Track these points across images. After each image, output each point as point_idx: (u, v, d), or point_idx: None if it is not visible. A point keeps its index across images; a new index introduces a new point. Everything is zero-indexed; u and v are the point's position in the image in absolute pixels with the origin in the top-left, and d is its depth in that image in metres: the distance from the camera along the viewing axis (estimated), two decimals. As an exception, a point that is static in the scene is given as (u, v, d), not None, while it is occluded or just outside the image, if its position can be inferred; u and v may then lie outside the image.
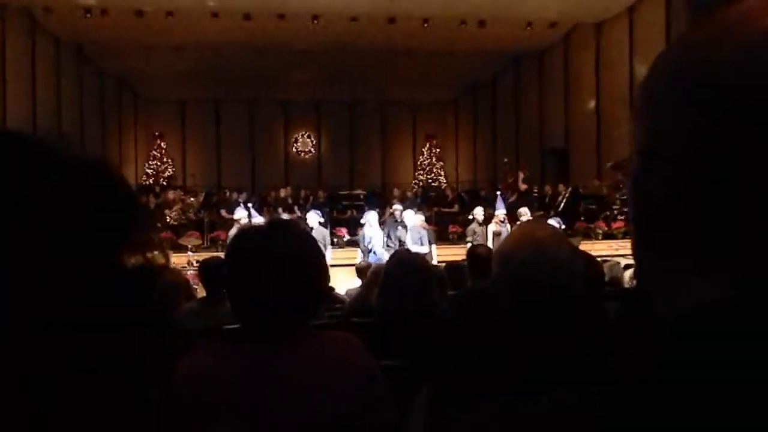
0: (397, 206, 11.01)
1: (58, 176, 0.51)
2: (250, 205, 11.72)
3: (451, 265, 5.25)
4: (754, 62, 0.44)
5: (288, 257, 1.38)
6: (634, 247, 0.54)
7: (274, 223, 1.52)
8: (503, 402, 0.51)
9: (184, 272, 7.72)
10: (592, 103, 15.47)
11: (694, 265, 0.48)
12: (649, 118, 0.50)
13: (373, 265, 5.49)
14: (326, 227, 11.08)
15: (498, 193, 12.58)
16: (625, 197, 12.50)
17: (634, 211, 0.53)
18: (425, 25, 14.37)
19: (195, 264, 8.84)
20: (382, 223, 10.25)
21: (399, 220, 10.15)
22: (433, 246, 9.98)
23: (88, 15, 13.45)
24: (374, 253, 9.30)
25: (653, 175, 0.49)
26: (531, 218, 10.25)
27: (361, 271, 6.62)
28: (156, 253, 0.60)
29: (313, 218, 9.84)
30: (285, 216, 12.06)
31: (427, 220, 13.24)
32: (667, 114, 0.48)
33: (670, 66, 0.50)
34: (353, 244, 10.81)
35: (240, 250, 1.45)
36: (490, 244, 9.44)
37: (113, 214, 0.54)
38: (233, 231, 9.53)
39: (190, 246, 11.00)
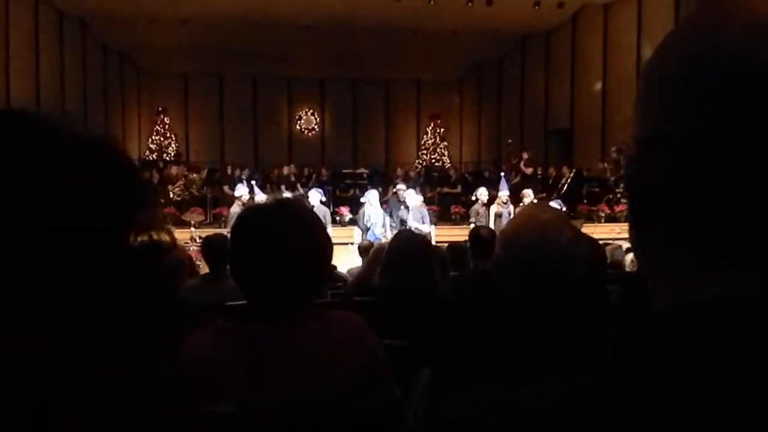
0: (401, 186, 10.99)
1: (63, 155, 0.51)
2: (253, 182, 11.71)
3: (454, 246, 5.26)
4: (759, 51, 0.44)
5: (293, 236, 1.38)
6: (632, 235, 0.54)
7: (279, 202, 1.52)
8: (494, 386, 0.51)
9: (187, 248, 7.74)
10: (599, 85, 15.36)
11: (695, 257, 0.47)
12: (651, 106, 0.49)
13: (375, 245, 5.50)
14: (328, 206, 11.09)
15: (501, 174, 12.56)
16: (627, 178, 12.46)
17: (632, 199, 0.52)
18: (431, 2, 14.22)
19: (198, 240, 8.87)
20: (384, 203, 10.25)
21: (402, 200, 10.15)
22: (433, 227, 10.00)
23: (92, -13, 13.34)
24: (372, 232, 9.32)
25: (654, 163, 0.48)
26: (535, 200, 10.25)
27: (363, 250, 6.64)
28: (162, 231, 0.60)
29: (315, 196, 9.86)
30: (287, 194, 12.08)
31: (429, 201, 13.24)
32: (670, 102, 0.47)
33: (672, 53, 0.49)
34: (355, 222, 10.83)
35: (245, 229, 1.45)
36: (491, 225, 9.45)
37: (118, 192, 0.54)
38: (234, 208, 9.56)
39: (193, 222, 11.02)
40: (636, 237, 0.53)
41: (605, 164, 13.77)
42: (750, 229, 0.44)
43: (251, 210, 1.52)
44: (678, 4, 12.43)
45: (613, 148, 13.15)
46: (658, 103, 0.49)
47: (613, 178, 13.00)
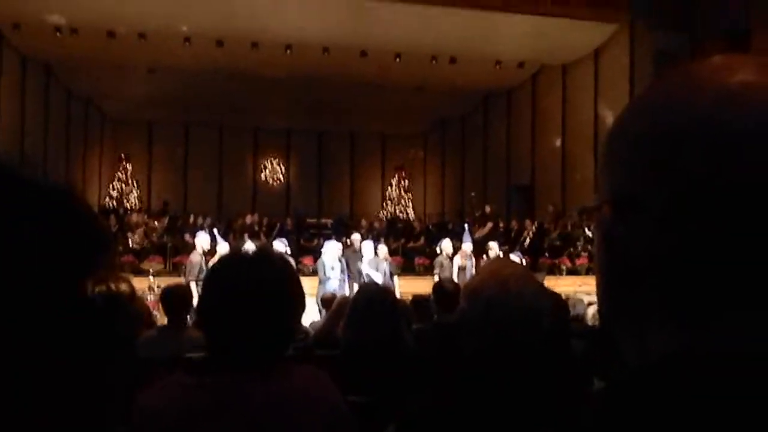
0: (356, 236, 10.94)
1: (21, 202, 0.50)
2: (215, 231, 11.55)
3: (417, 299, 5.25)
4: (730, 121, 0.45)
5: (271, 287, 1.36)
6: (601, 293, 0.54)
7: (257, 251, 1.50)
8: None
9: (144, 298, 7.57)
10: (558, 142, 15.79)
11: (667, 316, 0.48)
12: (620, 168, 0.50)
13: (338, 297, 5.45)
14: (293, 256, 10.97)
15: (465, 226, 12.68)
16: (588, 235, 12.72)
17: (604, 259, 0.52)
18: (397, 59, 14.55)
19: (156, 289, 8.67)
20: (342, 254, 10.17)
21: (357, 251, 10.11)
22: (396, 278, 9.93)
23: (58, 33, 13.29)
24: (329, 284, 9.22)
25: (625, 225, 0.49)
26: (500, 253, 10.33)
27: (325, 302, 6.57)
28: (121, 281, 0.58)
29: (279, 247, 9.72)
30: (250, 243, 11.94)
31: (393, 252, 13.23)
32: (645, 167, 0.48)
33: (643, 117, 0.50)
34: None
35: (221, 278, 1.41)
36: (455, 277, 9.47)
37: (77, 242, 0.52)
38: (195, 257, 9.39)
39: (151, 271, 10.79)
40: (605, 293, 0.53)
41: (565, 219, 14.02)
42: (728, 289, 0.45)
43: (229, 257, 1.49)
44: (633, 66, 12.96)
45: (575, 210, 13.48)
46: (631, 166, 0.49)
47: (555, 233, 13.34)
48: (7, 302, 0.47)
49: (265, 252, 1.50)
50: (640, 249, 0.48)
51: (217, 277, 1.43)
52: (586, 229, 12.35)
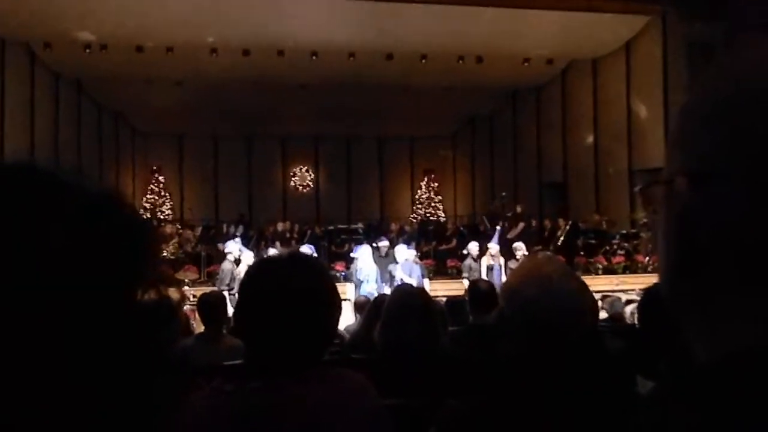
0: (384, 241, 10.97)
1: (75, 210, 0.49)
2: (237, 239, 11.57)
3: (452, 301, 5.20)
4: None
5: (307, 293, 1.35)
6: (666, 279, 0.50)
7: (294, 255, 1.48)
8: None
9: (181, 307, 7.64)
10: (590, 138, 15.57)
11: (749, 302, 0.43)
12: (700, 137, 0.47)
13: (372, 300, 5.43)
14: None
15: (497, 227, 12.60)
16: (624, 232, 12.50)
17: (674, 238, 0.48)
18: (423, 61, 14.53)
19: (192, 299, 8.76)
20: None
21: (383, 255, 10.11)
22: (426, 281, 9.93)
23: (88, 50, 13.57)
24: (365, 288, 9.24)
25: (704, 197, 0.45)
26: (526, 253, 10.24)
27: (359, 307, 6.55)
28: (171, 286, 0.57)
29: (307, 253, 9.71)
30: (273, 250, 12.01)
31: (425, 255, 13.20)
32: (725, 139, 0.45)
33: (724, 90, 0.47)
34: (350, 279, 10.77)
35: (258, 283, 1.40)
36: (484, 278, 9.42)
37: (128, 247, 0.51)
38: (226, 264, 9.48)
39: (187, 280, 10.93)
40: (680, 280, 0.49)
41: (601, 216, 13.81)
42: None
43: (265, 262, 1.48)
44: (665, 58, 12.71)
45: (636, 188, 13.22)
46: (708, 139, 0.46)
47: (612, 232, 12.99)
48: (59, 310, 0.46)
49: (300, 256, 1.48)
50: (722, 224, 0.44)
51: (254, 282, 1.42)
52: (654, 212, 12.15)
